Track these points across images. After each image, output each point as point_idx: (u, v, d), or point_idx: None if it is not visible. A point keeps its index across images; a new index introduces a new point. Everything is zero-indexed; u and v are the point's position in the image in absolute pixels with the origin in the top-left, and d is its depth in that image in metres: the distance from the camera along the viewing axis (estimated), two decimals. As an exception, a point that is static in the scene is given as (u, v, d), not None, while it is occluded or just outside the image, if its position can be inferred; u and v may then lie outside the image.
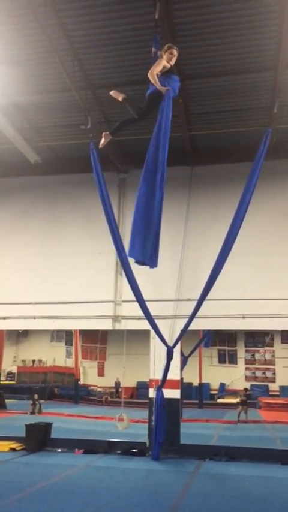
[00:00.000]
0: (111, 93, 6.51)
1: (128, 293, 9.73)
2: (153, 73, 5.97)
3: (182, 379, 11.79)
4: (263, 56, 8.15)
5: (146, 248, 5.97)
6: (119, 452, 10.24)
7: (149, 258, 6.02)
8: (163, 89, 6.04)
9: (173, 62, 6.16)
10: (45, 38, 7.47)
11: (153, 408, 9.86)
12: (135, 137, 10.46)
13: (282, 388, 25.51)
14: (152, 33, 6.82)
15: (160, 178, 6.07)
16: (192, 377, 23.45)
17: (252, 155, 7.84)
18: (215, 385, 26.42)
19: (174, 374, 10.12)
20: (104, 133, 6.64)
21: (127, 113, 6.71)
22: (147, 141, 11.27)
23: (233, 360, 27.29)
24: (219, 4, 7.04)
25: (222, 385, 26.40)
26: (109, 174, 10.22)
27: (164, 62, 6.04)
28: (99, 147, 6.82)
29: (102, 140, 6.69)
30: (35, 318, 11.31)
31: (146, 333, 10.47)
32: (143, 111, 6.32)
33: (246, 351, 27.18)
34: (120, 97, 6.35)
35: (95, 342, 28.17)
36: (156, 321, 9.57)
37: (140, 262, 6.23)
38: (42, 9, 6.99)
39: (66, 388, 25.95)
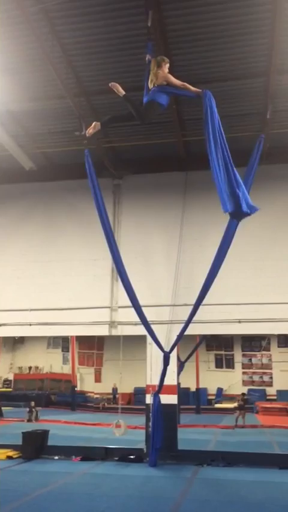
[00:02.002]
0: (111, 84, 6.15)
1: (124, 299, 9.75)
2: (182, 83, 6.10)
3: (179, 384, 11.80)
4: (255, 62, 8.23)
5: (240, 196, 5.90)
6: (116, 458, 10.20)
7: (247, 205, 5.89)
8: (199, 91, 6.21)
9: None
10: (39, 46, 7.52)
11: (150, 414, 9.84)
12: (129, 143, 10.54)
13: (279, 392, 25.51)
14: (145, 40, 6.86)
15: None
16: (189, 382, 23.41)
17: (246, 160, 7.90)
18: (212, 390, 26.36)
19: (171, 379, 10.12)
20: (94, 123, 6.30)
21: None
22: (141, 147, 11.40)
23: (230, 364, 27.29)
24: (211, 11, 7.11)
25: (220, 390, 26.36)
26: (104, 180, 10.25)
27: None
28: (86, 135, 6.50)
29: (91, 130, 6.30)
30: (31, 325, 11.28)
31: (142, 338, 10.46)
32: (144, 117, 6.26)
33: (243, 355, 27.19)
34: (120, 93, 6.14)
35: (92, 348, 28.10)
36: (152, 326, 9.59)
37: (241, 214, 5.97)
38: (35, 17, 7.05)
39: (63, 395, 25.85)
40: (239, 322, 10.34)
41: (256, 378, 26.90)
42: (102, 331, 11.12)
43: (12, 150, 10.46)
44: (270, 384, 26.49)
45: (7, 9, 6.90)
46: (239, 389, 24.18)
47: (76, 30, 7.53)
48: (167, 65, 6.16)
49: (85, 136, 6.65)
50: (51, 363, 27.46)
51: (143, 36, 6.99)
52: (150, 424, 9.77)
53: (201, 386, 24.23)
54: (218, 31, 7.49)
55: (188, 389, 24.25)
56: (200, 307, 8.79)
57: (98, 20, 7.27)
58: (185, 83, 6.15)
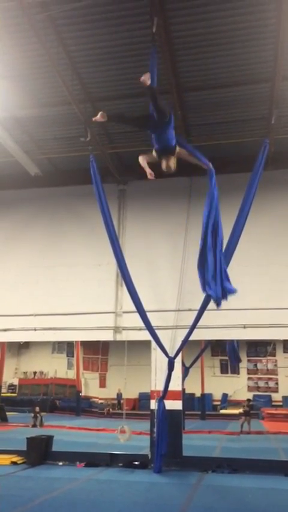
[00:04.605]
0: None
1: (128, 304, 9.74)
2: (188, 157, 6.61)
3: (183, 390, 11.74)
4: (260, 68, 8.24)
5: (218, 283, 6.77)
6: (121, 465, 10.16)
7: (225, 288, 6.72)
8: (205, 165, 6.79)
9: None
10: (45, 53, 7.58)
11: (155, 420, 9.80)
12: (134, 149, 10.55)
13: (285, 398, 25.36)
14: (150, 47, 6.89)
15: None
16: (194, 388, 23.33)
17: (251, 165, 7.91)
18: (217, 396, 26.26)
19: (175, 385, 10.07)
20: (102, 112, 6.23)
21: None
22: (146, 152, 11.35)
23: (235, 370, 27.14)
24: (216, 18, 7.14)
25: (225, 395, 26.25)
26: (109, 185, 10.27)
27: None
28: (92, 119, 6.44)
29: (98, 117, 6.22)
30: (35, 330, 11.29)
31: (147, 343, 10.44)
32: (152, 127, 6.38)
33: (249, 360, 27.05)
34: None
35: (97, 353, 28.08)
36: (157, 331, 9.57)
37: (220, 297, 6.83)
38: (41, 24, 7.11)
39: (67, 400, 25.81)
40: (244, 327, 10.30)
41: (261, 383, 26.76)
42: (107, 336, 11.11)
43: (18, 156, 10.53)
44: (275, 390, 26.35)
45: (13, 16, 6.96)
46: (245, 395, 24.04)
47: (82, 37, 7.58)
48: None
49: (92, 121, 6.63)
50: (56, 368, 27.45)
51: (148, 42, 7.02)
52: (155, 430, 9.72)
53: (206, 392, 24.12)
54: (223, 37, 7.51)
55: (193, 395, 24.18)
56: (205, 312, 8.76)
57: (104, 26, 7.31)
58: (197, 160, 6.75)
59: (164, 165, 6.33)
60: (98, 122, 6.29)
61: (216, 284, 6.66)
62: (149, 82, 5.90)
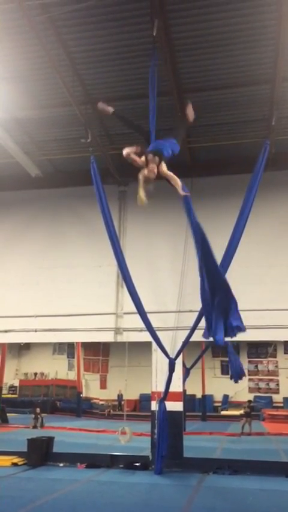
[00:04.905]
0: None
1: (129, 305, 9.73)
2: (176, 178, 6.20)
3: (184, 391, 11.73)
4: (260, 69, 8.26)
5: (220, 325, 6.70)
6: (121, 466, 10.15)
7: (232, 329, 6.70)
8: (183, 193, 6.43)
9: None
10: (45, 54, 7.59)
11: (156, 421, 9.80)
12: (135, 150, 10.56)
13: (286, 399, 25.29)
14: (150, 49, 6.91)
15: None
16: (195, 389, 23.27)
17: (251, 167, 7.91)
18: (218, 397, 26.19)
19: (176, 386, 10.08)
20: (110, 107, 6.57)
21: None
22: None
23: (236, 371, 27.08)
24: (217, 19, 7.15)
25: (226, 397, 26.19)
26: (109, 186, 10.27)
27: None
28: (97, 105, 6.77)
29: (103, 107, 6.54)
30: (36, 331, 11.30)
31: (148, 345, 10.44)
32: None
33: (249, 362, 26.98)
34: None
35: (97, 354, 28.04)
36: (157, 332, 9.56)
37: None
38: (42, 26, 7.12)
39: (68, 402, 25.77)
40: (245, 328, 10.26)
41: (262, 384, 26.70)
42: (108, 337, 11.11)
43: (19, 157, 10.54)
44: (276, 391, 26.28)
45: (14, 18, 6.98)
46: (245, 396, 24.00)
47: (82, 39, 7.59)
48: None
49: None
50: (57, 369, 27.42)
51: (148, 44, 7.05)
52: (156, 431, 9.72)
53: (207, 393, 24.08)
54: (224, 38, 7.53)
55: (193, 396, 24.11)
56: (206, 313, 8.75)
57: (104, 28, 7.33)
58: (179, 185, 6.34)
59: (146, 170, 5.82)
60: (102, 110, 6.37)
61: (220, 329, 6.66)
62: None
